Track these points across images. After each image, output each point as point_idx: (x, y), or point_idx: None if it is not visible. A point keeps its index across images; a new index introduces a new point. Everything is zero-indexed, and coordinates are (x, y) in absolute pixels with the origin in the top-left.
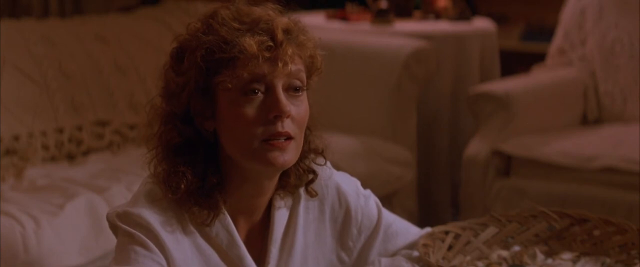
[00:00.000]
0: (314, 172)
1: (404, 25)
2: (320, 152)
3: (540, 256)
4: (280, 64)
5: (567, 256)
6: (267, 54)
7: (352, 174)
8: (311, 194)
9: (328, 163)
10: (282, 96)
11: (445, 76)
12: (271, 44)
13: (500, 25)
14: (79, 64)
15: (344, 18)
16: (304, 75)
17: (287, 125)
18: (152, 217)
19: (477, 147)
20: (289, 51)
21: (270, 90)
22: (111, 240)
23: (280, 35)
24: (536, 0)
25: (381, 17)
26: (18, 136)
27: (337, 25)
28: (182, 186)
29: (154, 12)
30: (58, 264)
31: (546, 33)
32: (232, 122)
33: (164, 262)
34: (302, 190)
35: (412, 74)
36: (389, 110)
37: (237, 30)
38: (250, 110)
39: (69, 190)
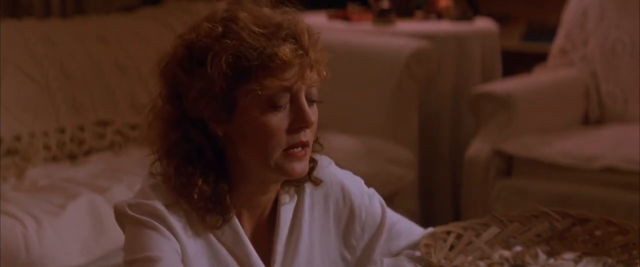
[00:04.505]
0: (312, 159)
1: (405, 26)
2: (316, 140)
3: (542, 256)
4: (308, 72)
5: (568, 256)
6: (298, 61)
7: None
8: (315, 182)
9: (325, 157)
10: (306, 106)
11: (446, 76)
12: (301, 51)
13: (501, 25)
14: (80, 64)
15: (346, 18)
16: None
17: (307, 134)
18: (163, 208)
19: (478, 148)
20: (313, 57)
21: (295, 100)
22: (112, 240)
23: (306, 41)
24: (538, 0)
25: (383, 17)
26: (19, 136)
27: (338, 25)
28: (195, 196)
29: (155, 13)
30: (59, 264)
31: (548, 33)
32: (255, 130)
33: (178, 248)
34: (306, 186)
35: (413, 74)
36: (390, 110)
37: (262, 36)
38: (276, 119)
39: (70, 190)
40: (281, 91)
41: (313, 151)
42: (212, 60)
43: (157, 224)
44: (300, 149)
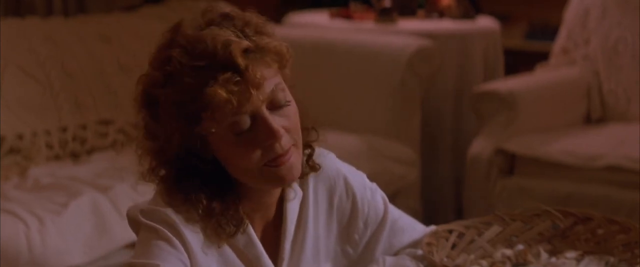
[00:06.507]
0: (309, 146)
1: (407, 24)
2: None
3: (544, 255)
4: (253, 92)
5: (571, 254)
6: (236, 88)
7: None
8: (314, 168)
9: (324, 149)
10: (270, 121)
11: (448, 75)
12: (238, 77)
13: (504, 24)
14: (82, 63)
15: (348, 17)
16: (282, 83)
17: (285, 142)
18: (175, 215)
19: (480, 146)
20: (258, 74)
21: (257, 118)
22: (115, 239)
23: (242, 62)
24: None
25: (385, 15)
26: (22, 135)
27: (340, 24)
28: (200, 211)
29: (157, 11)
30: (62, 263)
31: (550, 32)
32: (228, 155)
33: (187, 261)
34: (310, 180)
35: (416, 72)
36: (392, 109)
37: (198, 72)
38: (244, 143)
39: (72, 189)
40: (236, 119)
41: (310, 140)
42: (162, 108)
43: (168, 233)
44: (284, 156)
